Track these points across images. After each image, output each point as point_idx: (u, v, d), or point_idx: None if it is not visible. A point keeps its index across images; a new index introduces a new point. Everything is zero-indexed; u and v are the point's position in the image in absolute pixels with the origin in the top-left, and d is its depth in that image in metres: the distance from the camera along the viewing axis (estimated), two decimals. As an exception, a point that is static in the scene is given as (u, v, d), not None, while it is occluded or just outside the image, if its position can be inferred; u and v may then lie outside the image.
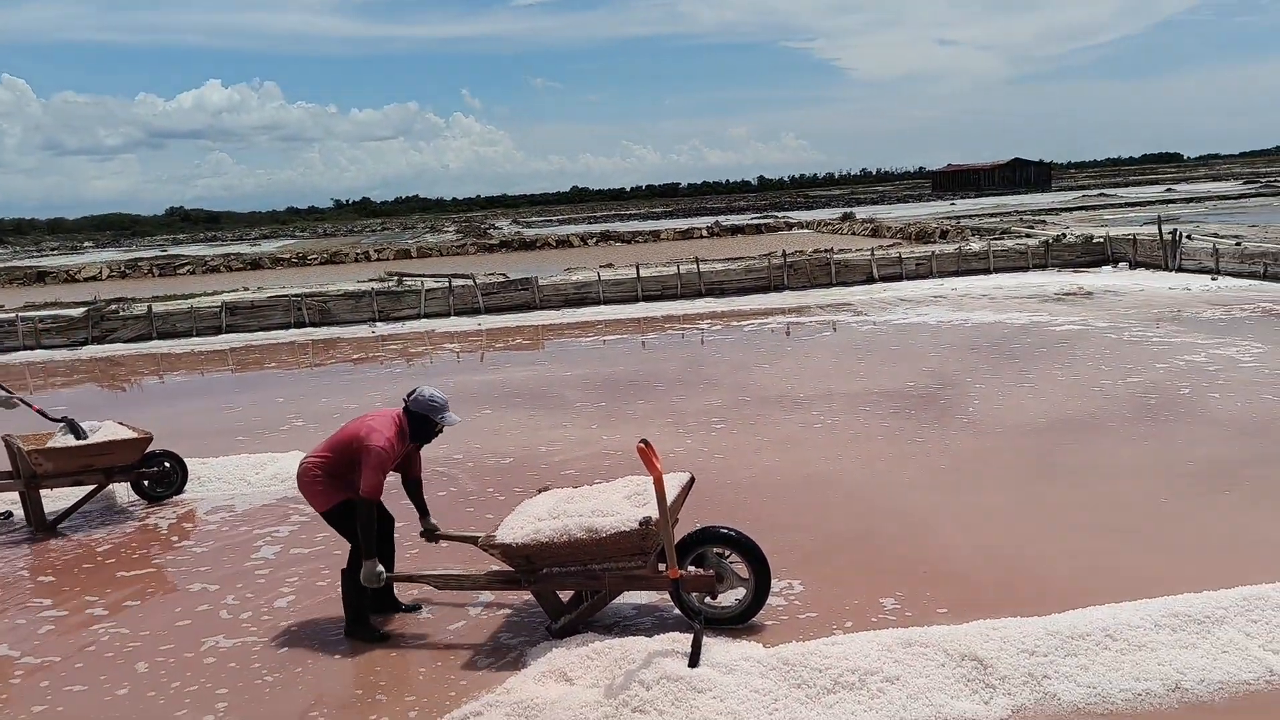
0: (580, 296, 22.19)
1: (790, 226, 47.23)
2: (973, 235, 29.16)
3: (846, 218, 44.99)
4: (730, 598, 5.31)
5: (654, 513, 4.91)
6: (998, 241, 24.94)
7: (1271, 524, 6.45)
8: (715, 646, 4.71)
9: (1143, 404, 10.05)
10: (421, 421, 5.44)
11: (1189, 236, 22.14)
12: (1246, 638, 4.57)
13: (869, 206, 69.03)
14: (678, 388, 12.56)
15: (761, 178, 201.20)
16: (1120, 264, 23.04)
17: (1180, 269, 21.20)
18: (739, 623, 5.24)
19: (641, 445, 4.67)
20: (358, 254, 46.03)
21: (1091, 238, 24.17)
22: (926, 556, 6.21)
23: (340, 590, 5.57)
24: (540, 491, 5.81)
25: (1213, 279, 19.65)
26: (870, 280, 22.56)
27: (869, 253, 23.53)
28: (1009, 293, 19.81)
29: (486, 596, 5.95)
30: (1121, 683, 4.34)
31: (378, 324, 21.24)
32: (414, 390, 5.49)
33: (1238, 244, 20.53)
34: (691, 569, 5.19)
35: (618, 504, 5.23)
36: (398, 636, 5.54)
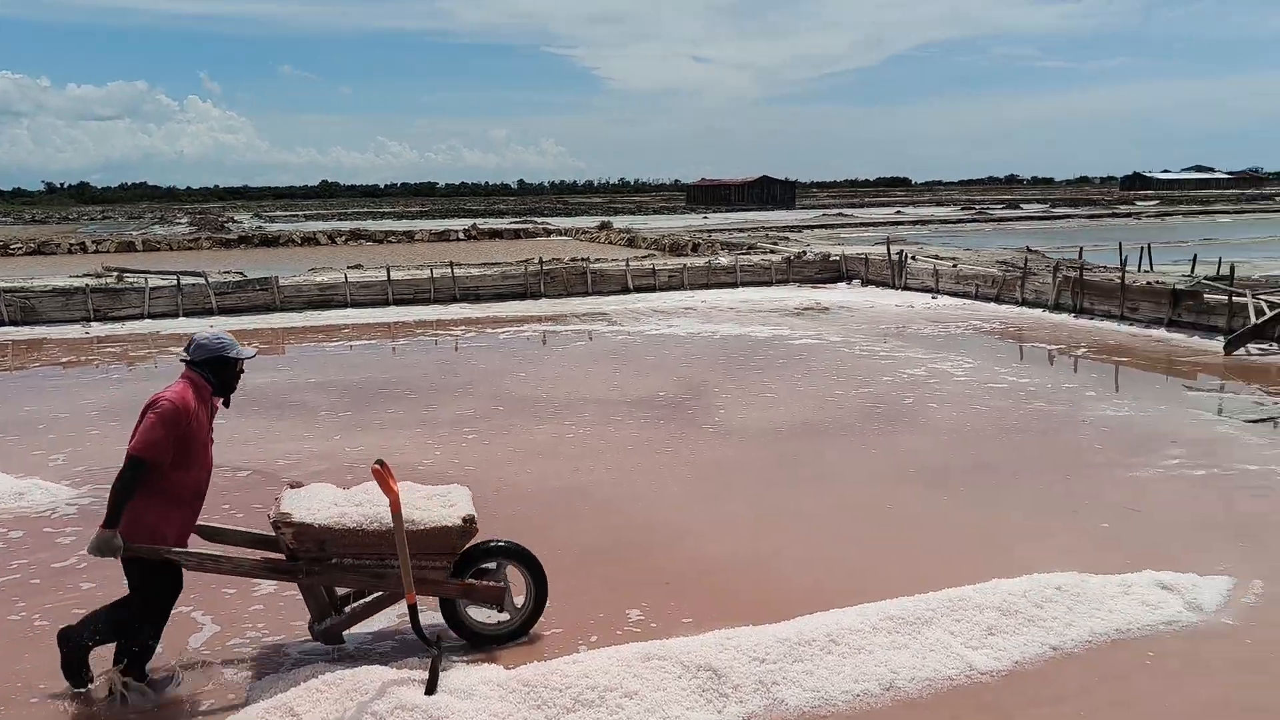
0: (326, 299, 21.21)
1: (549, 233, 47.59)
2: (723, 250, 30.43)
3: (604, 227, 45.82)
4: (506, 612, 5.18)
5: (473, 510, 4.87)
6: (745, 257, 26.17)
7: (980, 527, 7.09)
8: (455, 671, 4.55)
9: (872, 413, 10.80)
10: (218, 366, 4.67)
11: (913, 258, 24.15)
12: (951, 636, 4.95)
13: (626, 216, 70.69)
14: (429, 395, 12.23)
15: (521, 181, 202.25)
16: (854, 281, 24.80)
17: (906, 287, 23.10)
18: (519, 637, 5.18)
19: (376, 467, 4.44)
20: (72, 245, 41.90)
21: (829, 256, 25.87)
22: (674, 566, 6.33)
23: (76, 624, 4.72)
24: (293, 486, 5.22)
25: (933, 297, 21.54)
26: (625, 290, 23.02)
27: (624, 263, 24.03)
28: (754, 306, 20.80)
29: (211, 628, 5.49)
30: (843, 685, 4.58)
31: (93, 324, 19.34)
32: (188, 344, 4.75)
33: (954, 266, 22.62)
34: (477, 581, 5.02)
35: (421, 502, 4.91)
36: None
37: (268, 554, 5.01)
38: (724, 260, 24.83)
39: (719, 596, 5.82)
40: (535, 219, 65.05)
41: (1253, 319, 14.91)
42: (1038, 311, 19.13)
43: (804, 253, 26.42)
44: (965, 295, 21.29)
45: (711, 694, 4.45)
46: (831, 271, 25.17)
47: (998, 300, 20.41)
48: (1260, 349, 14.76)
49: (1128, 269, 22.18)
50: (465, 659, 4.90)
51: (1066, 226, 54.18)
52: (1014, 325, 17.74)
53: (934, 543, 6.76)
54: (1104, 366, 13.84)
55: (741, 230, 46.02)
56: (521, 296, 22.32)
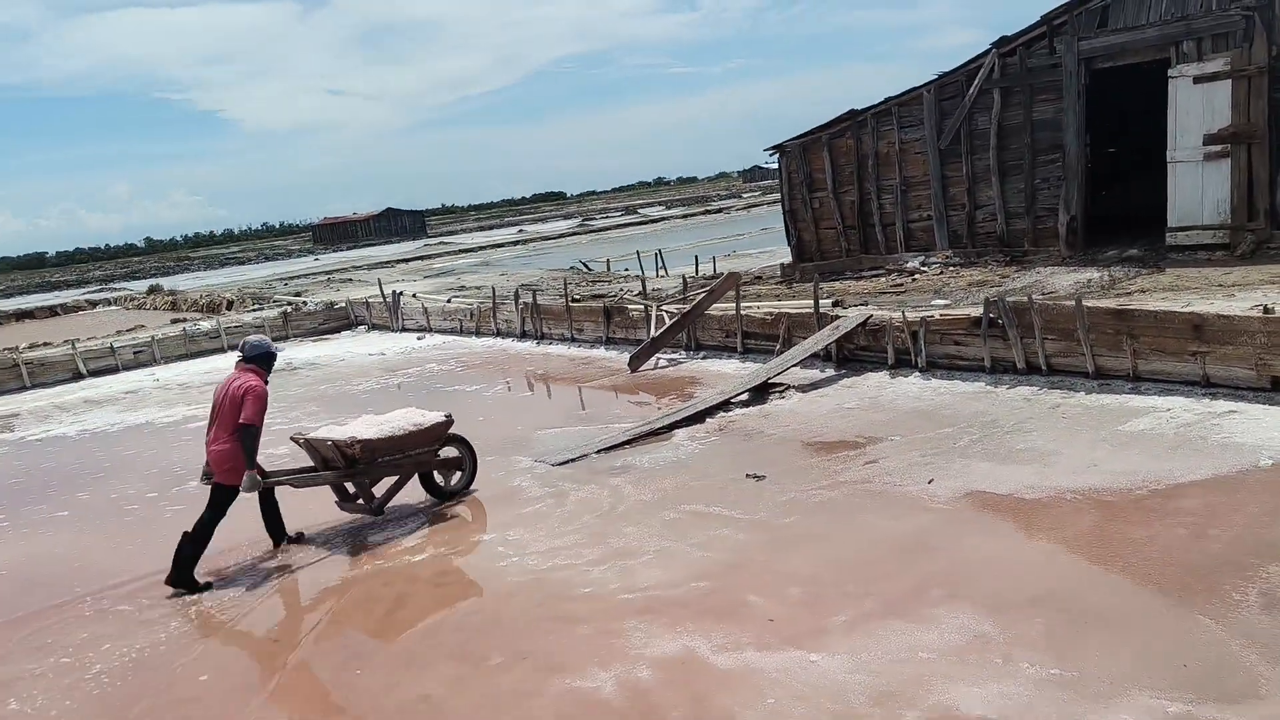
0: None
1: (95, 305, 42.04)
2: (255, 304, 27.92)
3: (154, 290, 41.20)
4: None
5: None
6: (234, 316, 23.84)
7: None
8: None
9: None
10: (270, 360, 7.74)
11: (414, 296, 22.96)
12: None
13: (218, 271, 65.12)
14: None
15: (149, 239, 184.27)
16: (360, 327, 23.19)
17: (404, 329, 21.80)
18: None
19: None
20: None
21: (333, 304, 24.08)
22: None
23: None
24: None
25: (419, 338, 20.39)
26: (78, 376, 19.91)
27: (71, 346, 20.82)
28: (213, 378, 18.61)
29: None
30: None
31: None
32: (243, 346, 7.70)
33: (448, 302, 21.62)
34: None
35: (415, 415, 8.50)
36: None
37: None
38: (205, 325, 22.32)
39: None
40: (127, 284, 58.27)
41: (653, 332, 14.82)
42: (508, 342, 18.47)
43: (303, 304, 24.51)
44: (451, 332, 20.37)
45: None
46: (338, 320, 23.39)
47: (478, 334, 19.61)
48: (670, 359, 14.67)
49: (648, 276, 22.33)
50: None
51: (656, 230, 55.82)
52: (470, 362, 16.90)
53: None
54: (508, 401, 13.08)
55: (331, 272, 43.58)
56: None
